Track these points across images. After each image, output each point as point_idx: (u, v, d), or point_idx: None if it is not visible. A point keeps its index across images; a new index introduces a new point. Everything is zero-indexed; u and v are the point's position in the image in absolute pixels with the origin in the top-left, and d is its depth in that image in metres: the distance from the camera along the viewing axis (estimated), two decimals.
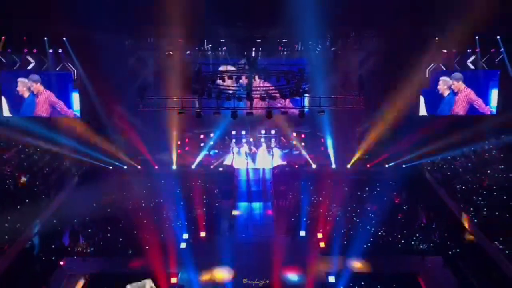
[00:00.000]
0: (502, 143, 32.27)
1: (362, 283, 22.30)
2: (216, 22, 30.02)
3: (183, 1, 28.44)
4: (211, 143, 36.82)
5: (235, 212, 30.36)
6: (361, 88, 27.50)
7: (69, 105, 32.06)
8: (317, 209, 28.31)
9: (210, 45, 33.19)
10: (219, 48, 33.82)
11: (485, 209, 26.05)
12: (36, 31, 29.46)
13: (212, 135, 37.11)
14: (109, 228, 26.48)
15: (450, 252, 24.59)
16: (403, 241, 25.59)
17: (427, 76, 32.57)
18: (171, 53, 32.89)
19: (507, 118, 31.40)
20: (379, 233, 25.99)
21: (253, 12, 29.01)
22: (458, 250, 24.62)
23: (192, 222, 27.28)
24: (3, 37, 30.23)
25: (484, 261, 23.29)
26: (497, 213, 25.38)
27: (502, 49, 31.55)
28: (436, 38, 31.25)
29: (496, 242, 22.90)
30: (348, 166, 34.11)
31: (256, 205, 30.79)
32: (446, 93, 32.67)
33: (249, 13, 29.12)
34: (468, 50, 31.89)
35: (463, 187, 28.95)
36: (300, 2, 26.94)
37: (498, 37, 31.17)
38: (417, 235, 25.98)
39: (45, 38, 30.60)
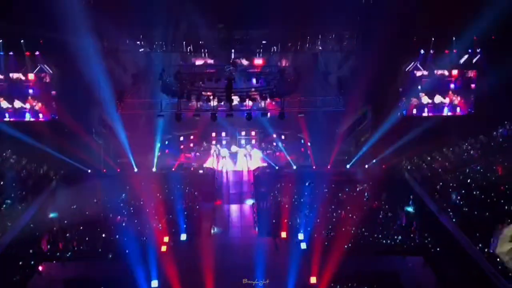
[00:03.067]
0: (479, 142, 32.63)
1: (344, 283, 22.38)
2: (197, 23, 30.04)
3: (163, 2, 28.43)
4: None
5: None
6: (340, 89, 27.63)
7: (46, 108, 31.77)
8: (298, 211, 28.28)
9: (190, 47, 33.03)
10: (200, 50, 33.70)
11: (464, 208, 26.36)
12: (13, 34, 29.06)
13: (192, 137, 36.93)
14: (88, 232, 26.15)
15: (432, 250, 24.74)
16: (383, 241, 25.71)
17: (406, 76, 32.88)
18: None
19: (484, 118, 31.89)
20: (360, 233, 26.06)
21: (234, 14, 29.03)
22: (438, 249, 24.77)
23: (172, 225, 27.07)
24: None
25: (464, 260, 23.49)
26: (476, 212, 25.67)
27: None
28: (414, 38, 31.53)
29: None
30: (328, 166, 34.19)
31: (237, 207, 30.65)
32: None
33: (229, 15, 29.13)
34: (445, 51, 32.19)
35: (443, 186, 29.23)
36: (280, 4, 27.07)
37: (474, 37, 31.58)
38: (397, 235, 26.11)
39: (22, 41, 30.20)
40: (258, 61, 32.90)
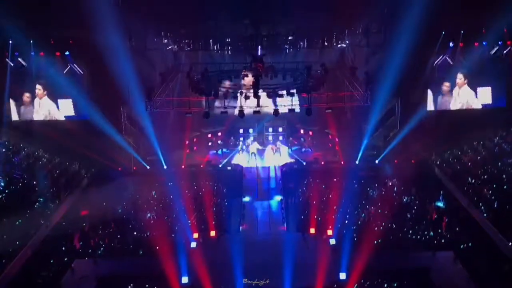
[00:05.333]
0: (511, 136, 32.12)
1: (374, 279, 22.26)
2: (223, 20, 30.15)
3: (190, 1, 28.60)
4: (219, 142, 36.90)
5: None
6: (367, 84, 27.43)
7: (78, 107, 32.31)
8: (327, 206, 28.22)
9: (217, 44, 33.17)
10: (225, 48, 33.83)
11: (496, 203, 25.98)
12: (43, 35, 29.57)
13: (219, 134, 37.17)
14: (119, 229, 26.51)
15: (461, 247, 24.44)
16: (413, 236, 25.47)
17: (434, 70, 32.49)
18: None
19: None
20: (389, 229, 25.87)
21: (260, 10, 29.05)
22: (469, 244, 24.46)
23: (202, 222, 27.28)
24: (10, 41, 30.43)
25: (495, 255, 23.18)
26: (507, 207, 25.28)
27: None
28: (443, 31, 31.12)
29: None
30: (357, 162, 34.03)
31: (265, 203, 30.72)
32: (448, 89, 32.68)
33: (255, 11, 29.16)
34: (475, 44, 31.68)
35: (473, 181, 28.86)
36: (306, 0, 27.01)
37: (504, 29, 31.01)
38: (427, 231, 25.84)
39: (52, 41, 30.72)
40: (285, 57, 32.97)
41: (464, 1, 27.31)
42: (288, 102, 29.62)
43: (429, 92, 32.95)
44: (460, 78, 32.66)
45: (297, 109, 28.18)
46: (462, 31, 31.15)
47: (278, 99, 27.34)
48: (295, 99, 27.15)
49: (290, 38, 33.43)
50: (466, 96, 32.92)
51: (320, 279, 22.39)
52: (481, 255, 23.38)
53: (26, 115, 32.60)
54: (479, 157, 31.60)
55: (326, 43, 33.70)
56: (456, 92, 32.93)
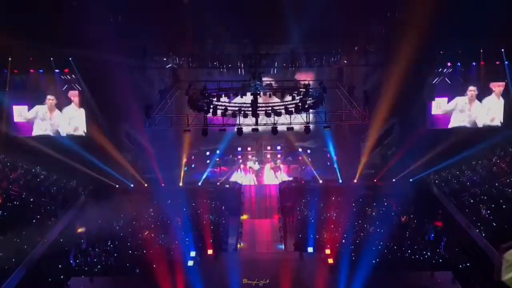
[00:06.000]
0: (509, 155, 32.14)
1: None
2: (222, 39, 30.33)
3: (189, 19, 28.80)
4: (217, 159, 36.85)
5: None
6: (366, 103, 27.48)
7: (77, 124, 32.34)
8: (325, 225, 28.12)
9: (216, 62, 33.29)
10: (225, 66, 33.93)
11: (494, 222, 25.92)
12: (43, 52, 29.68)
13: (217, 152, 37.13)
14: (116, 247, 26.38)
15: (460, 266, 24.32)
16: (411, 256, 25.35)
17: (433, 89, 32.62)
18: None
19: None
20: (388, 249, 25.75)
21: (259, 29, 29.27)
22: (467, 264, 24.34)
23: (199, 240, 27.16)
24: (9, 58, 30.52)
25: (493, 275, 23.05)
26: (506, 226, 25.20)
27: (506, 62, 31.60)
28: (441, 51, 31.30)
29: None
30: (355, 181, 33.99)
31: (263, 222, 30.60)
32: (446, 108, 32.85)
33: (255, 30, 29.36)
34: (473, 63, 31.86)
35: (471, 201, 28.81)
36: (305, 19, 27.19)
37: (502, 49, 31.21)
38: (426, 250, 25.73)
39: (51, 58, 30.81)
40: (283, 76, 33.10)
41: (461, 21, 27.46)
42: (286, 121, 29.67)
43: (428, 111, 32.99)
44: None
45: (296, 128, 28.15)
46: (460, 51, 31.34)
47: (276, 118, 27.35)
48: (293, 118, 27.16)
49: (289, 57, 33.52)
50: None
51: None
52: (480, 275, 23.26)
53: (24, 131, 32.47)
54: (476, 177, 31.58)
55: (324, 62, 33.81)
56: (462, 108, 33.03)
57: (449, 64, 31.86)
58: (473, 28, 27.32)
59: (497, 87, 32.52)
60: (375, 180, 34.05)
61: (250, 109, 25.26)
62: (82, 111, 32.46)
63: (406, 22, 27.47)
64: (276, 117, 26.11)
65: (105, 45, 26.98)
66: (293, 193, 32.83)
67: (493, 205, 27.56)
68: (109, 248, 26.23)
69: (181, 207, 29.99)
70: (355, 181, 34.05)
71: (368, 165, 34.47)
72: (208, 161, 37.07)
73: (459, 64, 32.04)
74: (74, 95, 32.38)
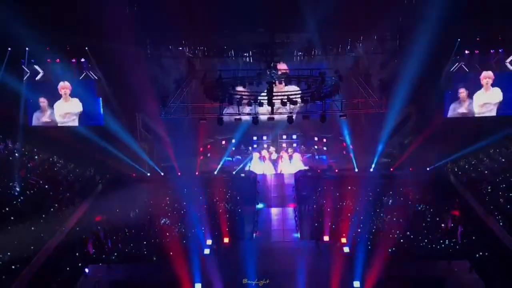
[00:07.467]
0: None
1: None
2: (237, 28, 30.25)
3: (204, 9, 28.76)
4: (233, 149, 36.95)
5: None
6: (382, 91, 27.32)
7: (92, 113, 32.44)
8: (341, 214, 28.08)
9: (231, 51, 33.28)
10: (240, 54, 33.92)
11: None
12: (59, 42, 29.81)
13: (233, 140, 37.20)
14: (133, 235, 26.59)
15: (477, 256, 24.17)
16: (428, 245, 25.24)
17: (450, 77, 32.22)
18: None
19: None
20: (404, 237, 25.66)
21: (274, 18, 29.14)
22: (485, 253, 24.17)
23: (215, 228, 27.28)
24: (27, 48, 30.69)
25: (511, 264, 22.89)
26: None
27: None
28: (458, 39, 30.91)
29: None
30: (371, 170, 33.87)
31: (279, 210, 30.63)
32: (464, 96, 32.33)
33: (270, 18, 29.24)
34: (491, 51, 31.39)
35: (489, 190, 28.56)
36: (320, 7, 26.99)
37: None
38: (442, 239, 25.59)
39: (68, 48, 30.94)
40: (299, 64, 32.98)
41: (480, 8, 27.10)
42: (303, 109, 29.63)
43: (445, 99, 32.63)
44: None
45: (312, 116, 28.08)
46: (478, 38, 30.86)
47: (291, 106, 27.31)
48: (309, 106, 27.12)
49: (304, 45, 33.37)
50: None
51: (333, 287, 22.27)
52: (497, 264, 23.11)
53: (42, 120, 32.67)
54: (494, 166, 31.28)
55: (340, 50, 33.63)
56: (481, 96, 32.47)
57: (467, 51, 31.33)
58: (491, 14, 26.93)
59: None
60: (391, 169, 33.86)
61: (265, 97, 25.23)
62: (98, 101, 32.51)
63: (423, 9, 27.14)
64: (291, 106, 26.09)
65: (121, 34, 27.03)
66: (308, 182, 32.77)
67: (511, 194, 27.27)
68: (126, 236, 26.43)
69: (197, 195, 30.13)
70: (371, 170, 33.90)
71: (385, 154, 34.30)
72: (224, 150, 37.16)
73: (477, 51, 31.52)
74: (89, 85, 32.39)
